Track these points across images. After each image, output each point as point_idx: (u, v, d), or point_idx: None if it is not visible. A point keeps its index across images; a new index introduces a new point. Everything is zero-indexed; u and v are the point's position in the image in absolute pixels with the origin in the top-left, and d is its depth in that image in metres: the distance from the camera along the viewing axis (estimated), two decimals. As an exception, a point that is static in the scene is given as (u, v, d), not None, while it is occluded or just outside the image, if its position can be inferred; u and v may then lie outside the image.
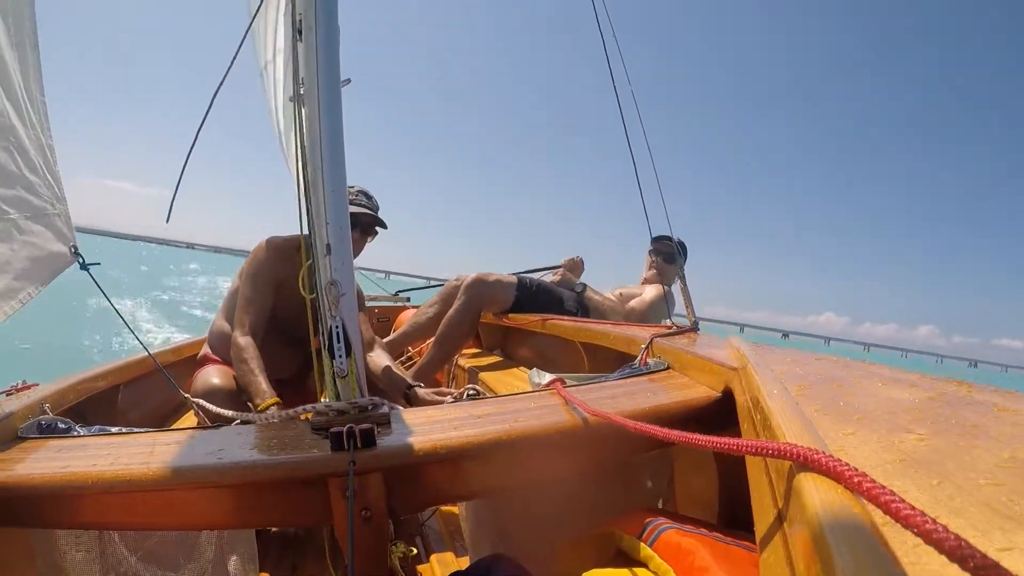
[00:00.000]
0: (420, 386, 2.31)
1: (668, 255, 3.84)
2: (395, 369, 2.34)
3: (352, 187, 2.36)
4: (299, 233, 1.38)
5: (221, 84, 1.62)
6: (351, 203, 2.26)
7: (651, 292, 3.70)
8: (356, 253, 2.24)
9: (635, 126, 2.16)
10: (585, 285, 3.64)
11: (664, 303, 3.56)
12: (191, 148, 1.60)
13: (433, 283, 4.97)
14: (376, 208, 2.38)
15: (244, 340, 1.99)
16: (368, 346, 2.38)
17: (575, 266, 3.87)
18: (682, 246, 3.75)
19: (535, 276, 3.70)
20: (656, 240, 3.88)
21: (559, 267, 3.93)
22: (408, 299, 4.61)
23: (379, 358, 2.28)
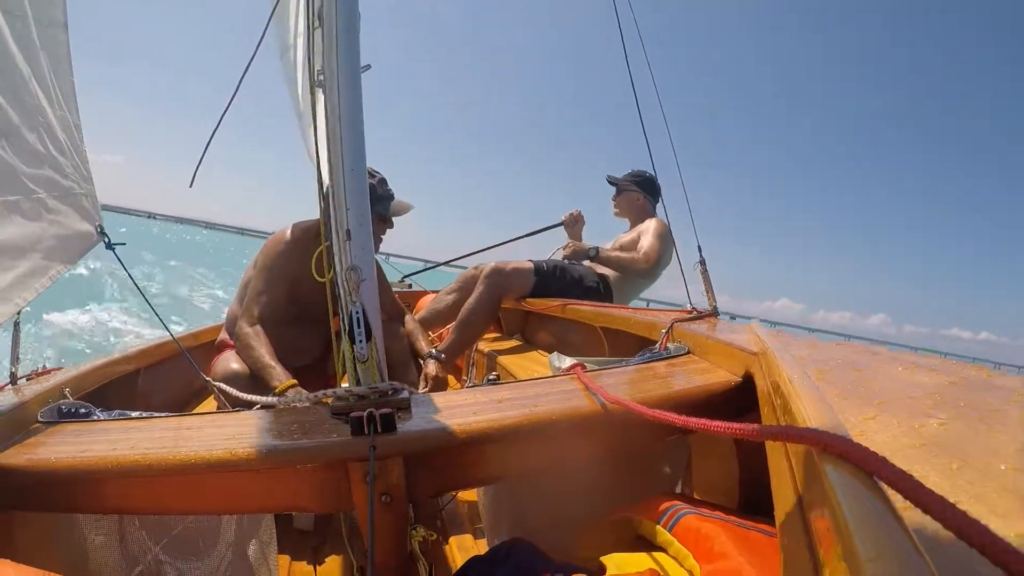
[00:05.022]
0: (440, 358, 2.37)
1: (616, 190, 3.98)
2: (421, 340, 2.42)
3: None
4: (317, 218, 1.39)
5: (244, 74, 1.65)
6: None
7: (650, 228, 3.68)
8: (376, 243, 2.27)
9: (643, 76, 2.20)
10: (598, 248, 3.65)
11: (667, 230, 3.58)
12: (213, 132, 1.65)
13: (430, 266, 4.98)
14: (390, 197, 2.44)
15: (250, 329, 2.02)
16: (399, 318, 2.53)
17: (575, 221, 3.92)
18: (640, 177, 3.84)
19: (551, 258, 3.70)
20: (615, 180, 4.01)
21: (560, 224, 3.99)
22: (411, 284, 4.60)
23: (408, 325, 2.51)
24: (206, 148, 1.72)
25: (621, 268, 3.56)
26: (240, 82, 1.67)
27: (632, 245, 3.66)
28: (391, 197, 2.43)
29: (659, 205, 3.87)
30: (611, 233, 4.04)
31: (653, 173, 3.65)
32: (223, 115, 1.69)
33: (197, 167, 1.78)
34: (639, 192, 3.84)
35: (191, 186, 1.79)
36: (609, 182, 4.01)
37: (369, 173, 2.33)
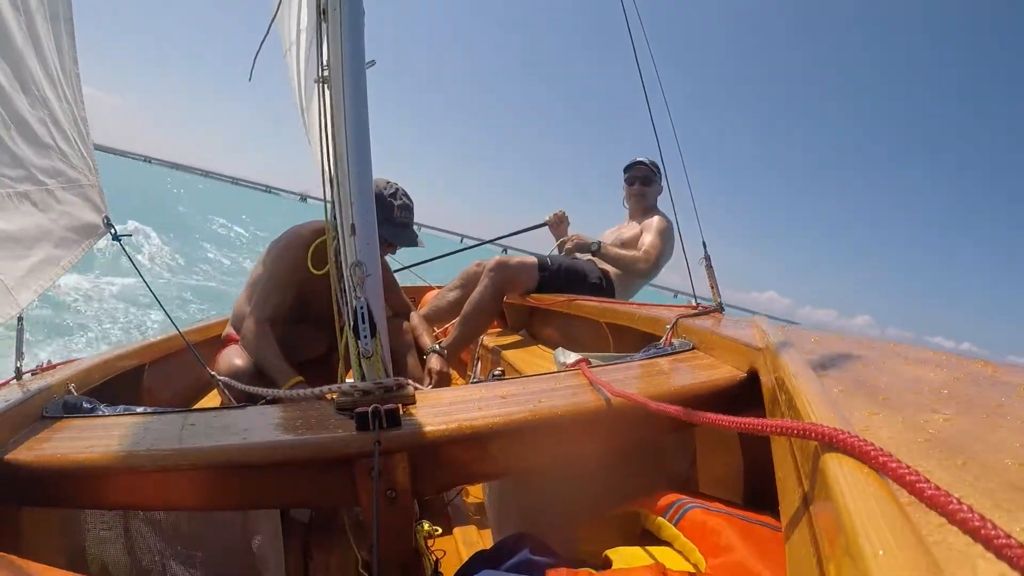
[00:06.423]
0: (442, 353, 2.37)
1: (645, 177, 3.89)
2: (424, 336, 2.42)
3: (393, 183, 2.34)
4: (323, 218, 1.39)
5: (253, 68, 1.65)
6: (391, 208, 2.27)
7: (653, 225, 3.70)
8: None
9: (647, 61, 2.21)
10: (600, 242, 3.65)
11: (670, 228, 3.63)
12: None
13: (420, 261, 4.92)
14: (405, 225, 2.37)
15: (257, 328, 2.04)
16: (405, 314, 2.52)
17: (559, 221, 3.97)
18: (657, 166, 3.81)
19: (555, 254, 3.71)
20: (630, 168, 3.96)
21: (544, 224, 4.03)
22: None
23: (413, 320, 2.51)
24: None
25: (623, 265, 3.57)
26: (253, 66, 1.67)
27: (634, 241, 3.68)
28: (406, 225, 2.35)
29: (667, 201, 3.85)
30: (599, 223, 4.03)
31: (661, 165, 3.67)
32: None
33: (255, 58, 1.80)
34: (661, 185, 3.83)
35: (250, 79, 1.82)
36: (632, 169, 3.95)
37: (396, 194, 2.29)
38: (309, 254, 2.08)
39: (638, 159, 3.92)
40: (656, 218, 3.72)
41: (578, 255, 3.66)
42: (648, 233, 3.65)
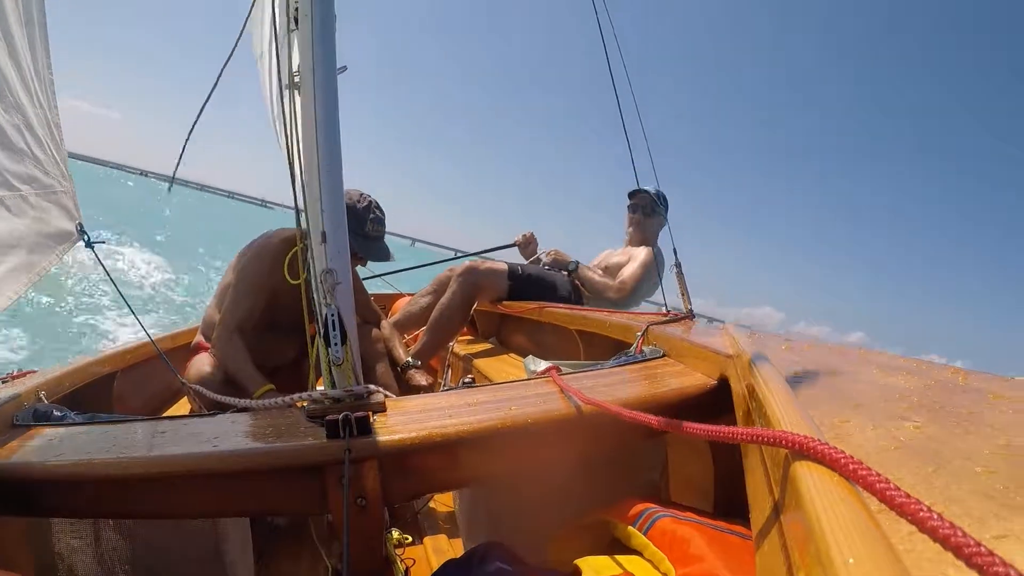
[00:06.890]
0: (417, 365, 2.36)
1: (646, 207, 3.86)
2: (398, 348, 2.40)
3: (367, 196, 2.34)
4: (295, 226, 1.38)
5: (220, 74, 1.64)
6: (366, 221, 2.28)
7: (639, 256, 3.69)
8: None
9: (622, 80, 2.22)
10: (578, 263, 3.65)
11: (655, 263, 3.60)
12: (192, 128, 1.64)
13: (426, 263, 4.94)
14: (377, 238, 2.37)
15: (227, 335, 2.03)
16: (375, 323, 2.50)
17: (527, 243, 3.93)
18: (661, 197, 3.80)
19: (527, 263, 3.71)
20: (632, 195, 3.93)
21: (513, 245, 4.00)
22: None
23: (384, 331, 2.49)
24: (185, 143, 1.72)
25: (594, 291, 3.57)
26: (215, 83, 1.66)
27: (617, 269, 3.69)
28: (378, 239, 2.37)
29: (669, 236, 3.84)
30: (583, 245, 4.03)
31: (646, 187, 3.66)
32: (199, 113, 1.68)
33: (178, 161, 1.78)
34: (664, 218, 3.79)
35: (169, 191, 1.81)
36: (635, 197, 3.93)
37: (370, 207, 2.29)
38: (285, 263, 2.07)
39: (643, 187, 3.82)
40: (645, 249, 3.71)
41: (554, 269, 3.65)
42: (632, 264, 3.65)
